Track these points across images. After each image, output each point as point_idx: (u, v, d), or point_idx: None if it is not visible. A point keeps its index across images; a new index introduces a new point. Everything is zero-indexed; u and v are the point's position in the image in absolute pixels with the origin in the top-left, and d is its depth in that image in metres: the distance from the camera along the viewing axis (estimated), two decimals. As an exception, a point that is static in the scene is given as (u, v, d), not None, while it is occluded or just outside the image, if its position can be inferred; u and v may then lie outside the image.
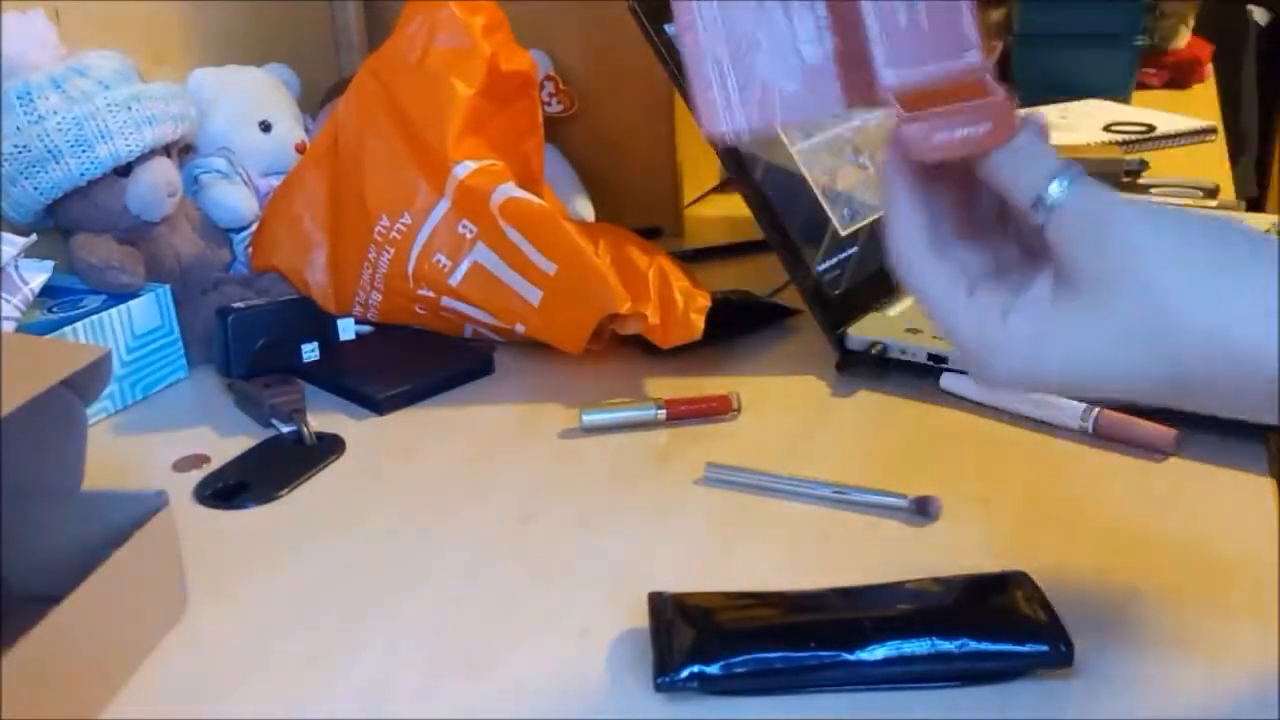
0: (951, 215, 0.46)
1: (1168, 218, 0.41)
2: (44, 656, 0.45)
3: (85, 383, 0.53)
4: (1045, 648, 0.47)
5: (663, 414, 0.72)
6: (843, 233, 0.84)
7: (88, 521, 0.53)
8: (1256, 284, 0.39)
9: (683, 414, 0.73)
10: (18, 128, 0.79)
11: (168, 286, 0.82)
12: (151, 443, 0.74)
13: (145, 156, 0.82)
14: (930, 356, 0.76)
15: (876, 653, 0.47)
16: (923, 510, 0.61)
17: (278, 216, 0.89)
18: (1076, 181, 0.42)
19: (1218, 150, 1.36)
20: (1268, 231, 0.99)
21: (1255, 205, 2.04)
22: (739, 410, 0.73)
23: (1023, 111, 0.44)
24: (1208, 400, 0.42)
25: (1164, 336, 0.40)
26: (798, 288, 0.81)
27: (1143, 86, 1.67)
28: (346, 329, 0.84)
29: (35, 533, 0.54)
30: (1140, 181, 1.18)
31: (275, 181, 0.94)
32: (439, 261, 0.82)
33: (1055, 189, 0.42)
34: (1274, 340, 0.38)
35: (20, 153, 0.79)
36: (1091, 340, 0.41)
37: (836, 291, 0.81)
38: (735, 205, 0.92)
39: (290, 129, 1.00)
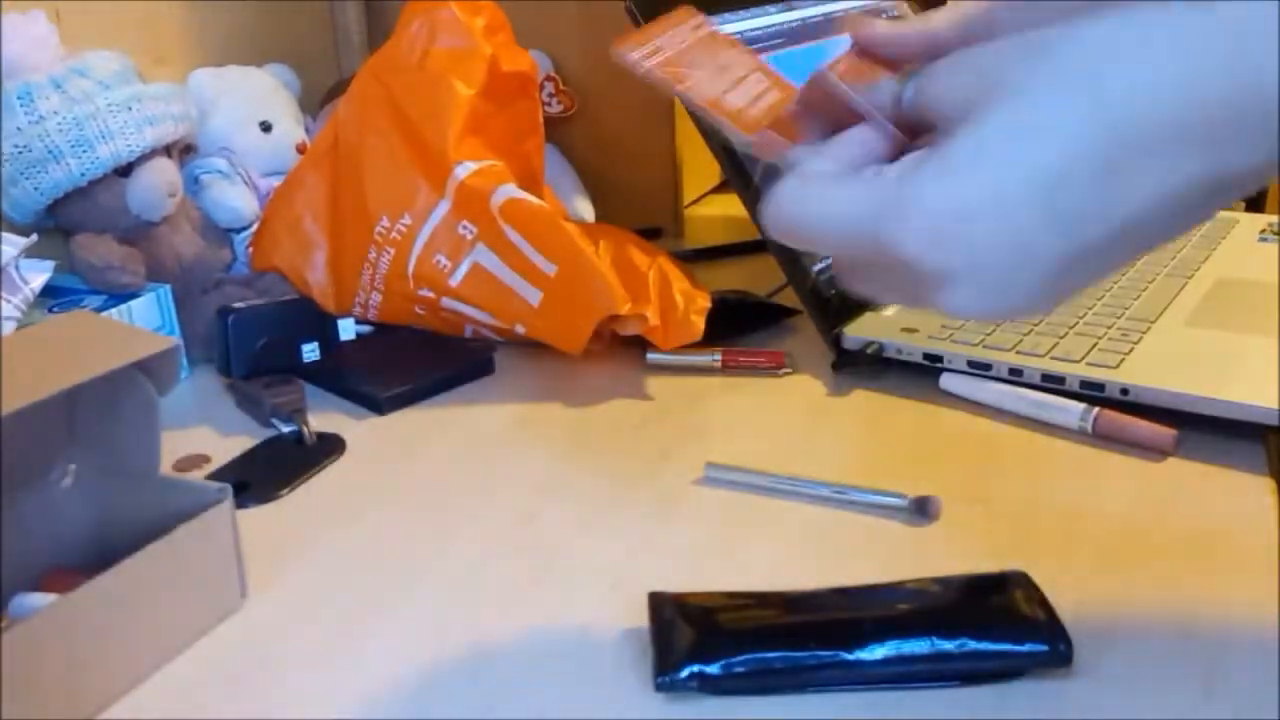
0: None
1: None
2: (72, 624, 0.47)
3: (158, 370, 0.56)
4: (1045, 648, 0.48)
5: (718, 360, 0.81)
6: (842, 233, 0.84)
7: (160, 506, 0.55)
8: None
9: (739, 364, 0.81)
10: (18, 128, 0.79)
11: (168, 286, 0.83)
12: (152, 443, 0.75)
13: (146, 156, 0.82)
14: (926, 356, 0.76)
15: (876, 652, 0.47)
16: (922, 510, 0.61)
17: (278, 217, 0.89)
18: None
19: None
20: (1263, 232, 0.99)
21: (1254, 205, 2.04)
22: (791, 370, 0.80)
23: None
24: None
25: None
26: (794, 288, 0.81)
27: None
28: (346, 329, 0.84)
29: (118, 512, 0.58)
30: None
31: (276, 182, 0.94)
32: (439, 262, 0.83)
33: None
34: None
35: (21, 153, 0.79)
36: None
37: (833, 291, 0.81)
38: (735, 205, 0.92)
39: (291, 129, 1.00)
